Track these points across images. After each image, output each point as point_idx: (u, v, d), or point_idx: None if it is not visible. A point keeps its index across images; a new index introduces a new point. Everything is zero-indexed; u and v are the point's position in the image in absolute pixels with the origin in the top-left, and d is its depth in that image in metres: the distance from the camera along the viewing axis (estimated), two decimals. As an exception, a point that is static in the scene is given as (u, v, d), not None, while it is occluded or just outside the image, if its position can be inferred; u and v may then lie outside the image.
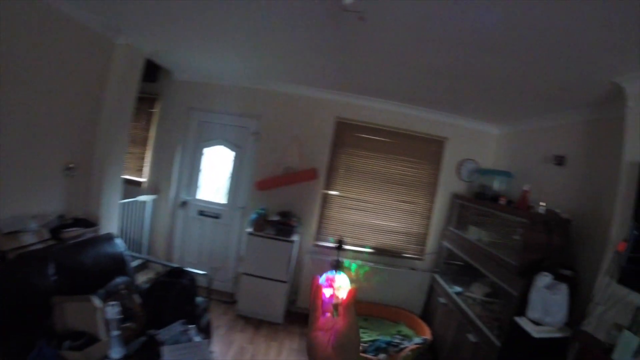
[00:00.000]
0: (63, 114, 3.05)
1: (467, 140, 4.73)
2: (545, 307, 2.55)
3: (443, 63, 2.83)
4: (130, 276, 3.13)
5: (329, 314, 0.64)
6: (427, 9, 2.03)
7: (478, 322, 3.26)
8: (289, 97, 4.58)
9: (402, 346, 3.67)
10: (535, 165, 3.79)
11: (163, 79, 4.80)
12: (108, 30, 3.23)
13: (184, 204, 4.91)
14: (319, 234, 4.74)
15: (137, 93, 3.81)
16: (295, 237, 4.18)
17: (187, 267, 3.55)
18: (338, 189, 4.71)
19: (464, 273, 4.18)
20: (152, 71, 4.66)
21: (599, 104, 2.99)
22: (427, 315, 4.54)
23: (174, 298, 2.90)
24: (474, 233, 3.94)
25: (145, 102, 4.83)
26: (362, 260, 4.62)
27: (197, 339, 2.67)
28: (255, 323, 4.18)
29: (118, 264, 3.08)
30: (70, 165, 3.19)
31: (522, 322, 2.66)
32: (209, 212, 4.88)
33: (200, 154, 4.89)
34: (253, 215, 4.26)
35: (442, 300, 4.14)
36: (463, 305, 3.62)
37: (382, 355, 3.50)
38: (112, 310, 2.39)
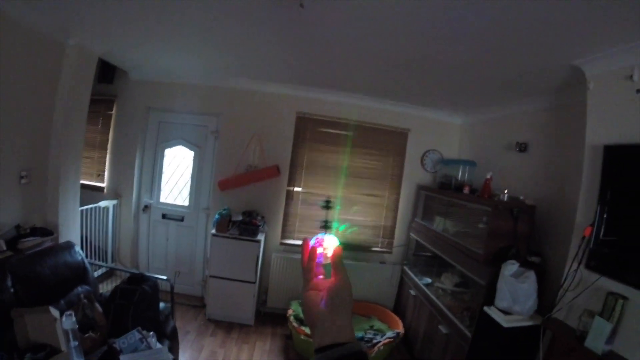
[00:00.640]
0: (13, 120, 2.87)
1: (430, 131, 4.73)
2: (514, 296, 2.52)
3: (401, 54, 2.78)
4: (92, 285, 3.06)
5: (322, 276, 0.66)
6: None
7: (448, 313, 3.25)
8: (249, 93, 4.46)
9: (375, 341, 3.64)
10: (499, 153, 3.81)
11: (120, 80, 4.61)
12: (56, 31, 3.07)
13: (146, 207, 4.74)
14: (285, 232, 4.66)
15: (90, 95, 3.65)
16: (260, 237, 4.10)
17: (154, 272, 3.49)
18: (302, 185, 4.62)
19: (433, 264, 4.18)
20: (109, 72, 4.50)
21: (560, 90, 3.01)
22: (399, 308, 4.54)
23: (135, 305, 2.81)
24: (440, 224, 3.94)
25: (103, 104, 4.66)
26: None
27: (157, 345, 2.61)
28: (225, 326, 4.10)
29: (78, 273, 2.99)
30: (24, 173, 3.04)
31: (492, 311, 2.63)
32: (172, 215, 4.73)
33: (161, 155, 4.73)
34: (216, 216, 4.16)
35: (412, 292, 4.13)
36: (433, 297, 3.61)
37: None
38: (69, 321, 2.28)
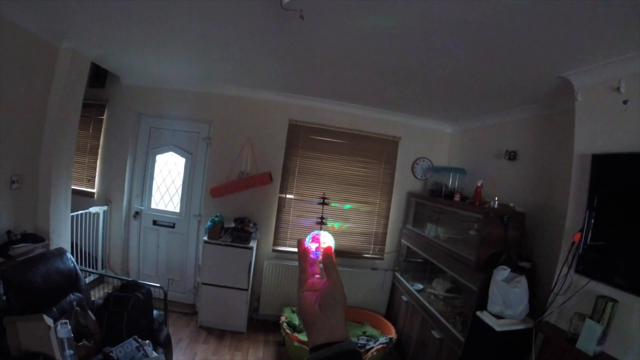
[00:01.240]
0: (4, 123, 2.83)
1: (420, 140, 4.81)
2: (506, 301, 2.57)
3: (391, 63, 2.82)
4: (84, 292, 3.03)
5: (317, 276, 0.67)
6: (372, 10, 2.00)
7: (441, 319, 3.29)
8: (241, 100, 4.47)
9: (368, 347, 3.65)
10: (489, 161, 3.88)
11: (111, 85, 4.59)
12: (50, 34, 3.05)
13: (136, 214, 4.69)
14: (277, 239, 4.65)
15: (83, 99, 3.62)
16: (253, 244, 4.09)
17: (145, 279, 3.45)
18: (294, 192, 4.63)
19: (424, 270, 4.22)
20: (101, 76, 4.48)
21: (548, 99, 3.07)
22: (391, 314, 4.56)
23: (129, 313, 2.77)
24: (431, 230, 3.98)
25: (94, 108, 4.62)
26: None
27: (153, 354, 2.60)
28: (218, 333, 4.07)
29: (70, 280, 2.95)
30: (15, 178, 2.99)
31: (484, 316, 2.68)
32: (163, 222, 4.69)
33: (152, 161, 4.70)
34: (208, 223, 4.14)
35: (404, 298, 4.16)
36: (425, 302, 3.65)
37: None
38: (64, 329, 2.26)
